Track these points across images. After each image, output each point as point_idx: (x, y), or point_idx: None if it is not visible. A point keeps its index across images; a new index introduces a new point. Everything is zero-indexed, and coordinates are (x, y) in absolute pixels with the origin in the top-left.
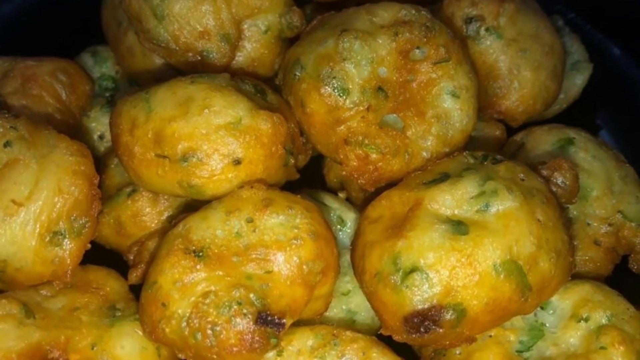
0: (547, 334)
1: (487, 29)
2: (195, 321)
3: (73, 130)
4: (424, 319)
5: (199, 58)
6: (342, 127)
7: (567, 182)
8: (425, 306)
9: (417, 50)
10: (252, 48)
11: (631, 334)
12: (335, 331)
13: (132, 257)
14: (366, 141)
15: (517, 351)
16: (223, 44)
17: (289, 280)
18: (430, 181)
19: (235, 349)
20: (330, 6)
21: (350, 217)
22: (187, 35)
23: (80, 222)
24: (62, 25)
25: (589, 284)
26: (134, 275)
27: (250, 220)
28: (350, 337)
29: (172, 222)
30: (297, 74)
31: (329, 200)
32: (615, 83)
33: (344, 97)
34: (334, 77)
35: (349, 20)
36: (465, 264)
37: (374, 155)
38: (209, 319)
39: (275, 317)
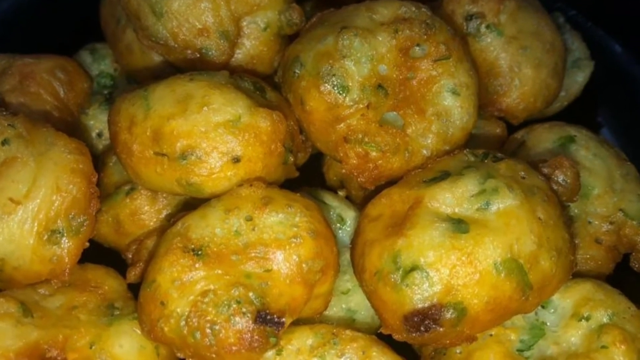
0: (548, 333)
1: (487, 26)
2: (194, 320)
3: (71, 128)
4: (424, 317)
5: (198, 55)
6: (341, 125)
7: (568, 180)
8: (426, 305)
9: (417, 48)
10: (251, 45)
11: (632, 332)
12: (334, 330)
13: (130, 256)
14: (366, 139)
15: (517, 350)
16: (222, 41)
17: (289, 279)
18: (431, 179)
19: (234, 348)
20: (329, 3)
21: (350, 215)
22: (185, 33)
23: (79, 220)
24: (61, 22)
25: (590, 282)
26: (133, 274)
27: (249, 219)
28: (350, 336)
29: (171, 220)
30: (297, 71)
31: (328, 198)
32: (617, 80)
33: (344, 95)
34: (334, 75)
35: (349, 18)
36: (466, 262)
37: (373, 153)
38: (208, 318)
39: (275, 316)
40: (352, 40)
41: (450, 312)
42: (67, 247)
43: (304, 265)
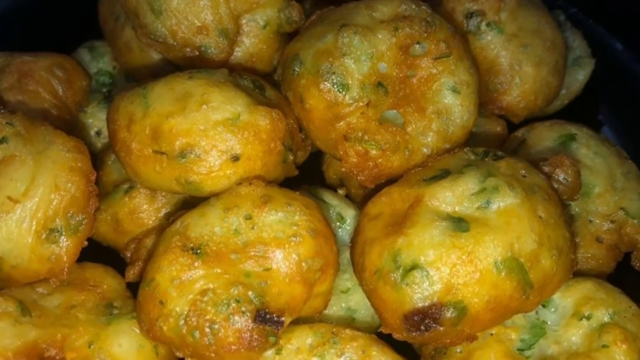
0: (548, 332)
1: (488, 24)
2: (193, 319)
3: (70, 126)
4: (424, 317)
5: (197, 53)
6: (341, 123)
7: (569, 179)
8: (426, 304)
9: (418, 46)
10: (251, 43)
11: (634, 332)
12: (334, 329)
13: (129, 255)
14: (366, 137)
15: (518, 349)
16: (221, 39)
17: (288, 277)
18: (431, 178)
19: (233, 347)
20: (329, 1)
21: (349, 214)
22: (184, 31)
23: (77, 219)
24: (59, 20)
25: (591, 281)
26: (132, 273)
27: (248, 217)
28: (349, 336)
29: (170, 219)
30: (296, 69)
31: (328, 197)
32: (618, 78)
33: (344, 93)
34: (334, 73)
35: (349, 15)
36: (466, 261)
37: (373, 152)
38: (207, 317)
39: (274, 315)
40: (351, 38)
41: (450, 311)
42: (66, 246)
43: (303, 264)
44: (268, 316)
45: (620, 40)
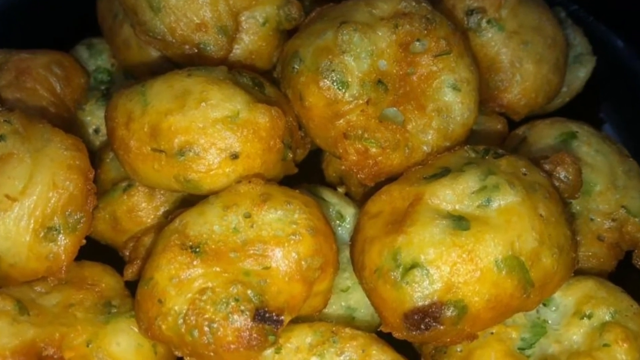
0: (549, 331)
1: (488, 21)
2: (192, 318)
3: (68, 124)
4: (425, 315)
5: (196, 51)
6: (341, 121)
7: (570, 177)
8: (426, 303)
9: (418, 43)
10: (250, 40)
11: (635, 331)
12: (334, 328)
13: (127, 253)
14: (366, 135)
15: (519, 348)
16: (220, 36)
17: (287, 276)
18: (431, 176)
19: (232, 346)
20: None
21: (349, 212)
22: (183, 28)
23: (75, 217)
24: (57, 17)
25: (592, 280)
26: (130, 272)
27: (247, 216)
28: (349, 334)
29: (169, 217)
30: (296, 66)
31: (327, 195)
32: (619, 76)
33: (343, 91)
34: (333, 70)
35: (349, 12)
36: (467, 260)
37: (373, 150)
38: (206, 316)
39: (274, 313)
40: (351, 35)
41: (450, 310)
42: (64, 245)
43: (303, 263)
44: (267, 315)
45: (621, 37)
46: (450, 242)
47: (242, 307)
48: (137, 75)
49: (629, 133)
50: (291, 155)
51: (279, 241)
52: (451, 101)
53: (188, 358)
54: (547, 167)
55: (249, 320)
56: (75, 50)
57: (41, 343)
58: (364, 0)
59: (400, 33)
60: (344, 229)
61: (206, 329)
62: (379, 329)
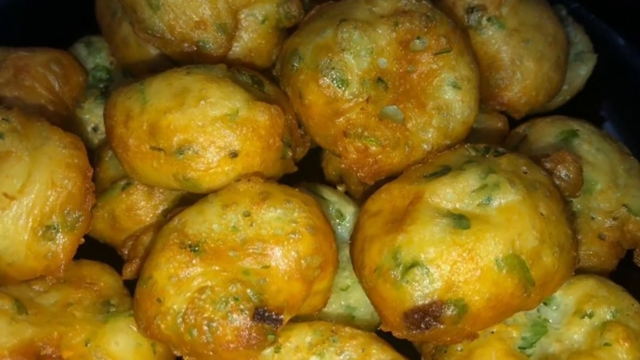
0: (550, 330)
1: (489, 19)
2: (191, 317)
3: (66, 122)
4: (425, 314)
5: (195, 48)
6: (341, 119)
7: (571, 175)
8: (426, 302)
9: (418, 41)
10: (249, 38)
11: (636, 330)
12: (334, 327)
13: (126, 252)
14: (365, 133)
15: (519, 348)
16: (219, 34)
17: (287, 275)
18: (431, 174)
19: (231, 345)
20: None
21: (349, 210)
22: (182, 25)
23: (74, 216)
24: (56, 15)
25: (593, 279)
26: (129, 270)
27: (247, 214)
28: (349, 334)
29: (168, 216)
30: (295, 64)
31: (327, 193)
32: (620, 74)
33: (343, 89)
34: (333, 68)
35: (348, 10)
36: (467, 258)
37: (373, 148)
38: (205, 315)
39: (273, 313)
40: (351, 33)
41: (451, 309)
42: (62, 243)
43: (302, 262)
44: (267, 314)
45: (622, 35)
46: (451, 241)
47: (242, 306)
48: (136, 73)
49: (629, 131)
50: (291, 154)
51: (278, 240)
52: (451, 99)
53: (187, 357)
54: (547, 165)
55: (248, 319)
56: (74, 48)
57: (39, 342)
58: None
59: (400, 31)
60: (344, 228)
61: (205, 328)
62: (378, 328)
